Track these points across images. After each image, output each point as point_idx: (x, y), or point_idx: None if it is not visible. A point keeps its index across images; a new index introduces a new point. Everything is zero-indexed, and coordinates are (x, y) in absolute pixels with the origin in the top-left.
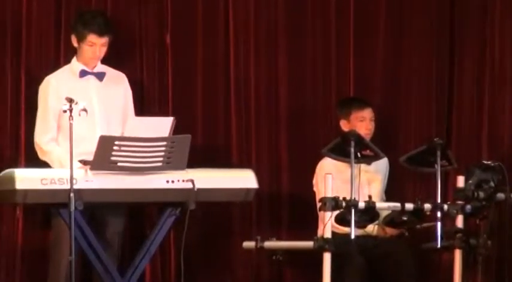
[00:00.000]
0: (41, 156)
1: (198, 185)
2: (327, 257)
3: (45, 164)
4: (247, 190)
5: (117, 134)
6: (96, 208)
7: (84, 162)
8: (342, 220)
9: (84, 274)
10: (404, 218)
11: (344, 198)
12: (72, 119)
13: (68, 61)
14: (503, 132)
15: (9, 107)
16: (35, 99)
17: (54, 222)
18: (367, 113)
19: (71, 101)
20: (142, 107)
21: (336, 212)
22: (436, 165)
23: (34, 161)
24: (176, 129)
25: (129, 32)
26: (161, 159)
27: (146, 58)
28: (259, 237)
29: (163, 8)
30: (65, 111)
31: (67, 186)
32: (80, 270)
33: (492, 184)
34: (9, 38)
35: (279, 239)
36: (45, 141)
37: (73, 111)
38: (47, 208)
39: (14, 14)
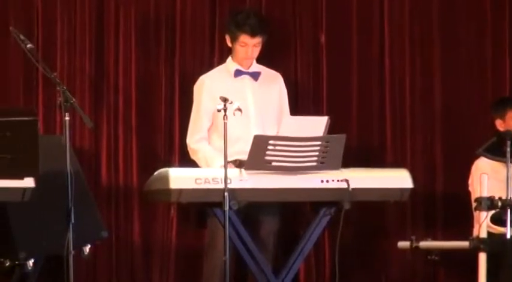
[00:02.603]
0: (191, 155)
1: (352, 185)
2: (483, 257)
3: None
4: (402, 190)
5: (272, 133)
6: (251, 207)
7: (238, 162)
8: (498, 220)
9: (239, 274)
10: None
11: (500, 198)
12: (227, 119)
13: (221, 61)
14: None
15: (163, 107)
16: (188, 99)
17: (209, 222)
18: None
19: (225, 100)
20: (297, 107)
21: (492, 212)
22: None
23: (188, 160)
24: (331, 129)
25: (283, 31)
26: (316, 158)
27: (301, 57)
28: (414, 237)
29: (317, 7)
30: (219, 111)
31: (221, 186)
32: (235, 270)
33: None
34: (164, 38)
35: (434, 238)
36: (195, 140)
37: (227, 110)
38: (201, 208)
39: (168, 14)
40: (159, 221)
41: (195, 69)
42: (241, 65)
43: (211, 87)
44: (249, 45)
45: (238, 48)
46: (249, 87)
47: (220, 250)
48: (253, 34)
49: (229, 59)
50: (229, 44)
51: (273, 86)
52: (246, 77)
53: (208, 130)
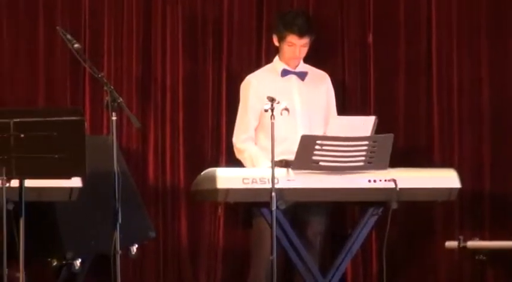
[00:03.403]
0: (236, 155)
1: (400, 185)
2: None
3: None
4: (450, 190)
5: (319, 133)
6: (298, 207)
7: (285, 162)
8: None
9: (285, 274)
10: None
11: None
12: (274, 119)
13: (269, 60)
14: None
15: (211, 107)
16: (236, 99)
17: (255, 221)
18: None
19: (272, 100)
20: (344, 107)
21: None
22: None
23: (235, 160)
24: (378, 129)
25: (331, 31)
26: (363, 158)
27: (348, 57)
28: (461, 237)
29: (365, 7)
30: (266, 111)
31: (268, 186)
32: (282, 270)
33: None
34: (211, 37)
35: (482, 238)
36: (241, 140)
37: (274, 110)
38: (247, 207)
39: (216, 14)
40: (206, 220)
41: (242, 68)
42: (288, 64)
43: (258, 86)
44: (296, 45)
45: (286, 48)
46: (296, 87)
47: (267, 250)
48: (301, 34)
49: (276, 58)
50: (277, 44)
51: (320, 86)
52: (293, 77)
53: (255, 130)
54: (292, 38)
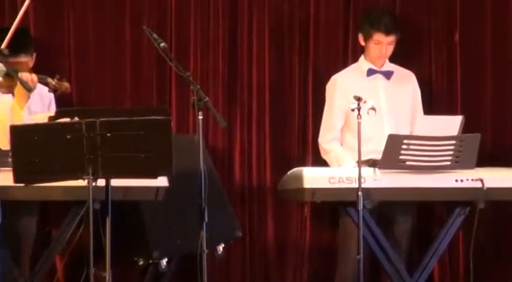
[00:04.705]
0: (322, 155)
1: (487, 184)
2: None
3: None
4: None
5: (405, 133)
6: (385, 207)
7: (371, 162)
8: None
9: (372, 273)
10: None
11: None
12: (360, 118)
13: (355, 60)
14: None
15: (297, 106)
16: (322, 99)
17: (342, 221)
18: None
19: (359, 99)
20: (431, 106)
21: None
22: None
23: (321, 159)
24: (465, 128)
25: (417, 30)
26: (450, 158)
27: (435, 56)
28: None
29: (452, 6)
30: (353, 110)
31: (355, 185)
32: (368, 270)
33: None
34: (298, 38)
35: None
36: (327, 140)
37: (361, 109)
38: (334, 207)
39: (302, 13)
40: (292, 220)
41: (328, 68)
42: (374, 63)
43: (344, 86)
44: (382, 44)
45: (372, 47)
46: (382, 86)
47: (354, 249)
48: (387, 32)
49: (362, 58)
50: (362, 43)
51: (406, 86)
52: (379, 76)
53: (341, 130)
54: (378, 36)
